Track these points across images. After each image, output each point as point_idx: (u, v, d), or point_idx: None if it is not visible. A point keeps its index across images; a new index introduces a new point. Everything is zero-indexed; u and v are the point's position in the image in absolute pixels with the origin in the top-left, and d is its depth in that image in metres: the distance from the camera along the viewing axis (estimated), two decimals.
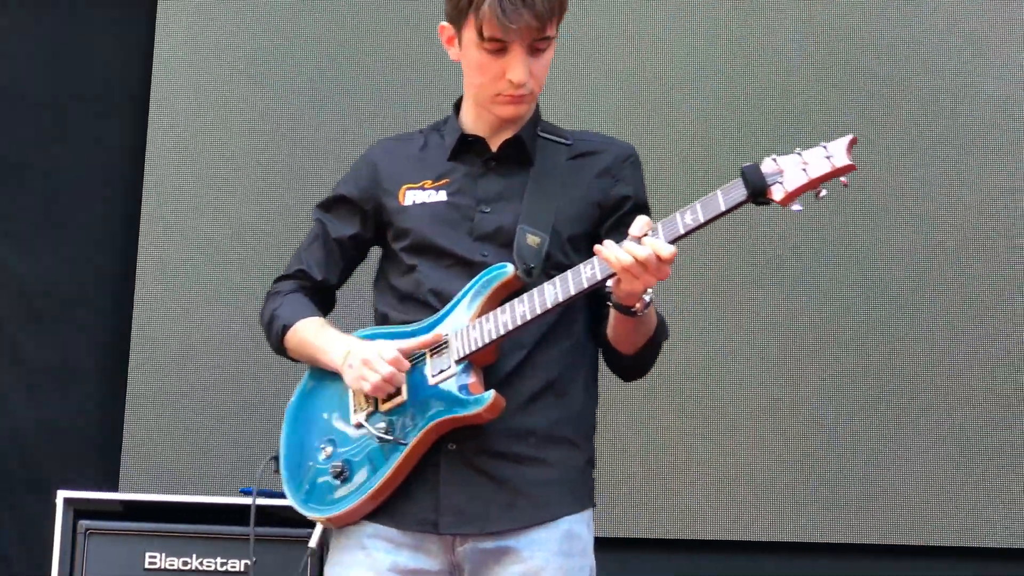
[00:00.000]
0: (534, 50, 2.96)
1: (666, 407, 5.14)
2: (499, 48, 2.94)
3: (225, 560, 4.19)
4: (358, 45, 5.18)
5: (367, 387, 2.91)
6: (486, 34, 2.92)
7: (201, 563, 4.22)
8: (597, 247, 2.81)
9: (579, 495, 3.03)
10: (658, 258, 2.76)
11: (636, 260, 2.75)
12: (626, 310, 2.88)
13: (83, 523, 4.26)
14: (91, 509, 4.29)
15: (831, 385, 5.15)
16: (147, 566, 4.22)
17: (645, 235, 2.78)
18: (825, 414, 5.15)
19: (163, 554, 4.22)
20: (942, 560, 5.15)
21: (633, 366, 3.09)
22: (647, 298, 2.87)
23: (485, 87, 2.99)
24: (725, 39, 5.21)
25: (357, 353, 2.94)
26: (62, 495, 4.32)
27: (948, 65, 5.22)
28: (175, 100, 5.18)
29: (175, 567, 4.22)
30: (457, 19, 2.98)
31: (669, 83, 5.20)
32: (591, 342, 3.08)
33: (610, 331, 2.99)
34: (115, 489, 4.88)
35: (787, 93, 5.19)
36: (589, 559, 3.02)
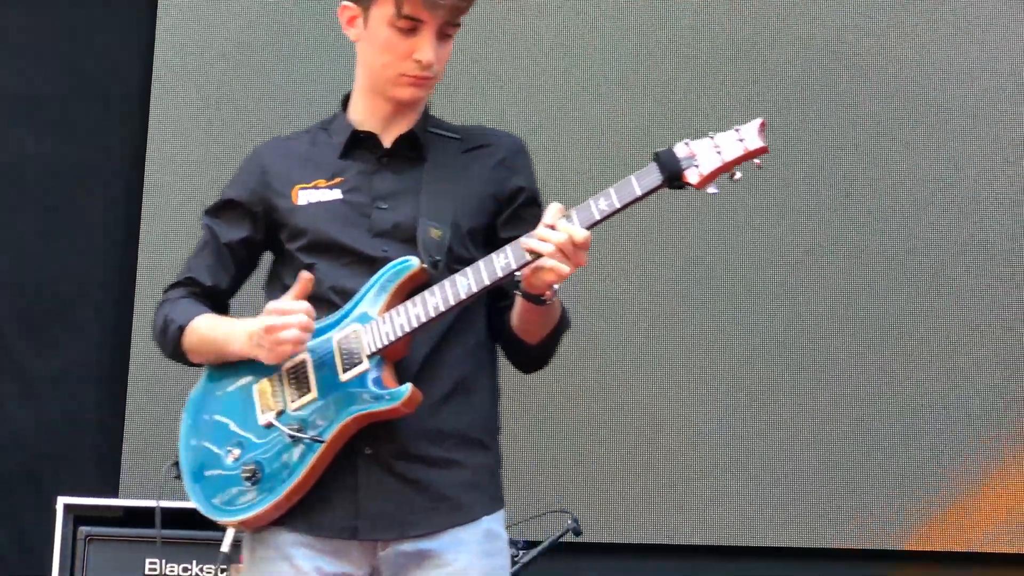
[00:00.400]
0: (443, 35, 2.97)
1: (658, 413, 5.14)
2: (411, 28, 2.94)
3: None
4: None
5: (288, 348, 2.86)
6: (406, 11, 2.92)
7: (201, 569, 4.21)
8: (523, 238, 2.81)
9: (494, 495, 3.00)
10: (573, 243, 2.76)
11: (554, 246, 2.76)
12: (536, 299, 2.87)
13: (83, 529, 4.25)
14: (91, 515, 4.28)
15: (832, 395, 5.16)
16: (147, 572, 4.22)
17: (559, 222, 2.79)
18: (822, 419, 5.15)
19: (163, 560, 4.21)
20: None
21: (537, 357, 3.07)
22: (556, 286, 2.87)
23: (388, 67, 2.96)
24: (731, 37, 5.21)
25: (256, 328, 2.89)
26: (62, 501, 4.32)
27: (958, 62, 5.22)
28: (175, 101, 5.17)
29: (175, 573, 4.22)
30: None
31: (673, 82, 5.20)
32: (491, 340, 3.07)
33: (516, 321, 2.97)
34: (115, 495, 4.87)
35: (793, 89, 5.19)
36: (507, 558, 3.02)
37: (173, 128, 5.16)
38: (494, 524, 2.98)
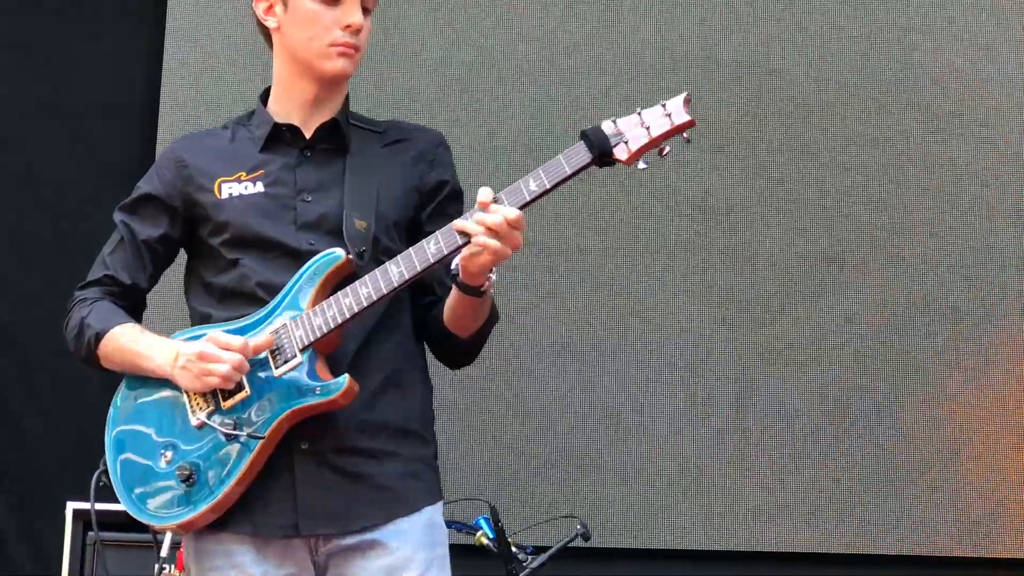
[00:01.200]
0: (364, 9, 2.99)
1: (661, 419, 5.14)
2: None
3: None
4: (372, 46, 5.16)
5: (215, 381, 2.84)
6: None
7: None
8: (455, 221, 2.80)
9: (432, 487, 3.01)
10: (508, 223, 2.76)
11: (489, 227, 2.76)
12: (475, 290, 2.88)
13: (92, 534, 4.24)
14: (100, 520, 4.28)
15: (845, 400, 5.15)
16: None
17: (491, 203, 2.79)
18: (829, 424, 5.15)
19: (172, 565, 4.20)
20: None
21: (467, 351, 3.07)
22: (493, 276, 2.88)
23: (316, 38, 2.96)
24: (717, 44, 5.20)
25: (188, 351, 2.87)
26: (71, 506, 4.32)
27: (944, 68, 5.21)
28: (185, 108, 5.18)
29: None
30: None
31: (661, 85, 5.18)
32: (417, 335, 3.06)
33: (448, 314, 2.97)
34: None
35: (780, 97, 5.18)
36: (447, 549, 3.01)
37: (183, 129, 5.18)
38: (435, 515, 2.98)
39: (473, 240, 2.78)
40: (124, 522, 4.23)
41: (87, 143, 5.24)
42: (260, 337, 2.88)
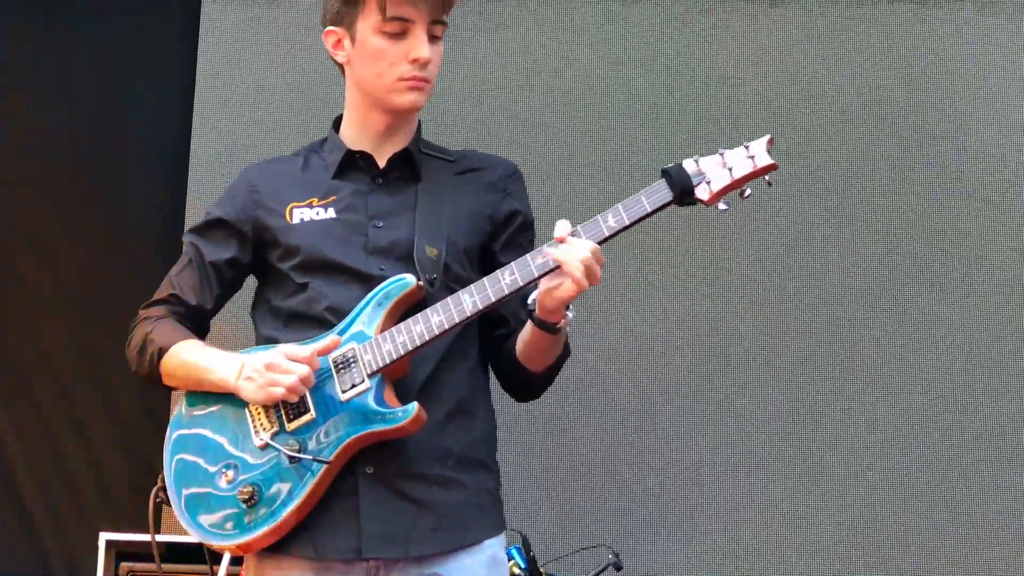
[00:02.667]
0: (432, 37, 2.96)
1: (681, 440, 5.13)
2: (401, 31, 2.93)
3: None
4: None
5: (280, 392, 2.81)
6: (390, 12, 2.91)
7: None
8: (543, 248, 2.78)
9: (496, 518, 2.98)
10: (594, 256, 2.74)
11: (575, 258, 2.74)
12: (551, 327, 2.85)
13: (125, 564, 4.25)
14: (133, 551, 4.28)
15: (877, 429, 5.14)
16: None
17: (568, 237, 2.77)
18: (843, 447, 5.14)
19: None
20: None
21: (539, 385, 3.04)
22: (570, 314, 2.86)
23: (384, 74, 2.95)
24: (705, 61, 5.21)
25: (254, 363, 2.84)
26: (104, 537, 4.33)
27: (939, 82, 5.21)
28: (218, 112, 5.20)
29: None
30: (347, 15, 2.97)
31: (649, 105, 5.21)
32: (484, 365, 3.05)
33: (521, 348, 2.95)
34: (160, 531, 4.88)
35: (769, 114, 5.19)
36: None
37: (216, 142, 5.19)
38: (498, 549, 2.96)
39: (563, 267, 2.76)
40: (160, 553, 4.28)
41: (121, 163, 5.27)
42: (324, 340, 2.86)
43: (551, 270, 2.79)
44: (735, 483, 5.12)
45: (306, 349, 2.84)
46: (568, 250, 2.75)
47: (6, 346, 5.23)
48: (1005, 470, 5.09)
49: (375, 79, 2.97)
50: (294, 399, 2.84)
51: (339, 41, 3.00)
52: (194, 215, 5.15)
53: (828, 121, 5.18)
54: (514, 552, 4.27)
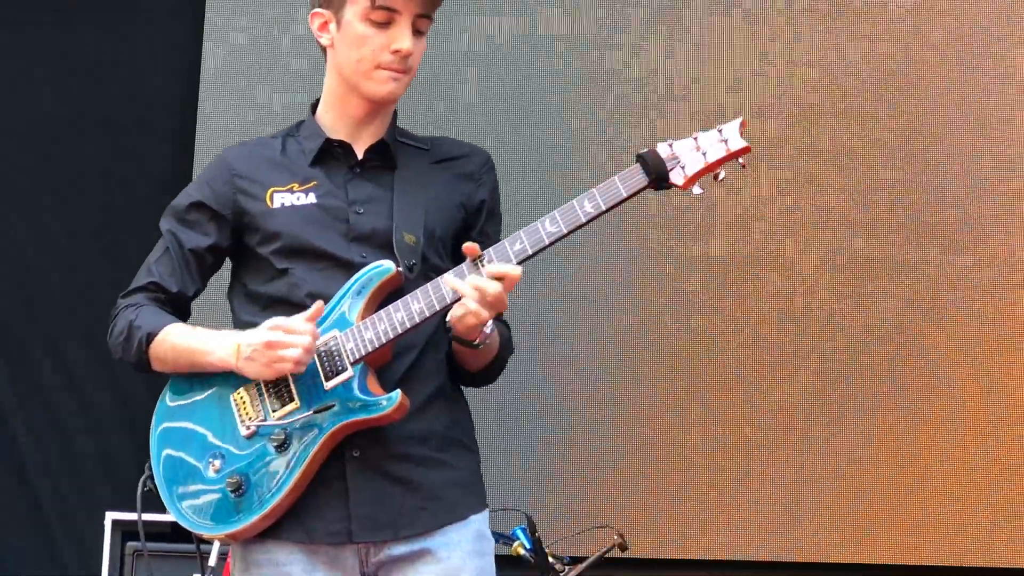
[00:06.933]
0: (416, 31, 2.96)
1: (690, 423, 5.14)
2: (387, 20, 2.93)
3: None
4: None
5: (287, 367, 2.82)
6: (379, 1, 2.92)
7: None
8: (448, 275, 2.81)
9: (479, 496, 3.01)
10: (502, 287, 2.76)
11: (478, 290, 2.76)
12: (470, 344, 2.88)
13: (131, 544, 4.26)
14: (138, 530, 4.29)
15: (888, 413, 5.15)
16: None
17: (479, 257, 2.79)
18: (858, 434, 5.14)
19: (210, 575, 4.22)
20: None
21: (480, 380, 3.06)
22: (487, 329, 2.87)
23: (365, 60, 2.95)
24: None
25: (252, 340, 2.85)
26: (110, 516, 4.33)
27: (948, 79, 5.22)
28: (222, 117, 5.21)
29: None
30: None
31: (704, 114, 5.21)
32: None
33: (454, 353, 2.97)
34: (162, 511, 4.88)
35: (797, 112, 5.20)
36: (493, 559, 3.01)
37: (221, 146, 5.20)
38: (483, 525, 2.99)
39: (463, 299, 2.79)
40: (166, 532, 4.29)
41: (126, 159, 5.28)
42: (311, 309, 2.85)
43: (456, 300, 2.81)
44: (741, 465, 5.14)
45: (299, 319, 2.84)
46: (475, 281, 2.77)
47: (13, 330, 5.25)
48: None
49: (355, 64, 2.96)
50: (302, 370, 2.85)
51: (325, 24, 3.00)
52: None
53: (837, 110, 5.19)
54: (519, 532, 4.28)
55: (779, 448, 5.13)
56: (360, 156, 3.02)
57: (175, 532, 4.25)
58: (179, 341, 2.95)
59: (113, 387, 5.23)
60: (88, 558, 4.96)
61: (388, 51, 2.94)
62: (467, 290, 2.78)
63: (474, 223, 3.05)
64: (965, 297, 5.17)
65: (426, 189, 3.00)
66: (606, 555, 4.37)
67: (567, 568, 4.28)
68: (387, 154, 3.03)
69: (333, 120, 3.04)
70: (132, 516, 4.37)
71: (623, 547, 4.38)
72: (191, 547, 4.12)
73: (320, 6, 3.00)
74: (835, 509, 5.12)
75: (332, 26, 2.99)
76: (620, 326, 5.14)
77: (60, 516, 5.13)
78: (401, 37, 2.94)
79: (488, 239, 2.94)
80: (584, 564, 4.32)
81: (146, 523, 4.32)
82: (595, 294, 5.12)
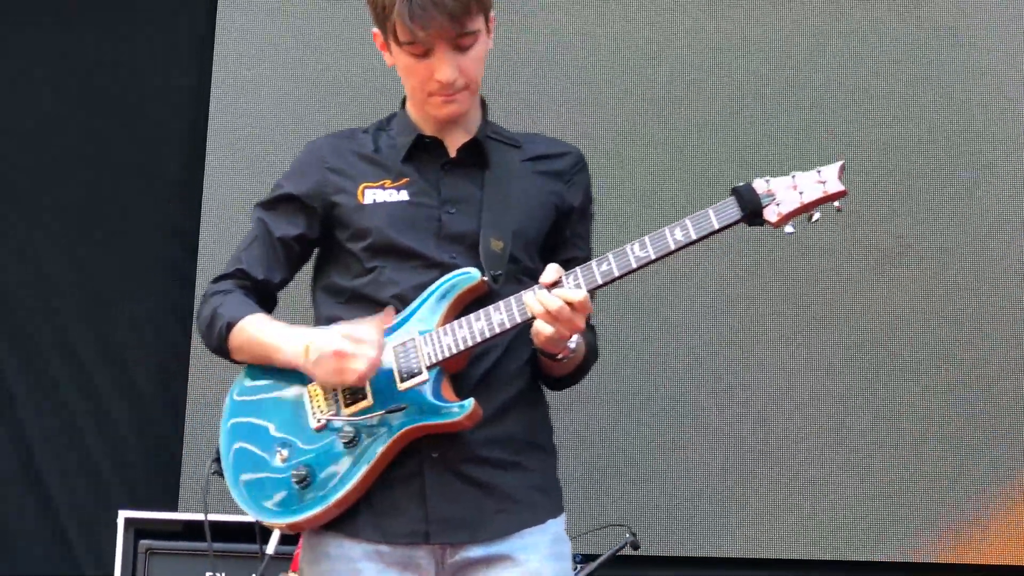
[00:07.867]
0: (459, 47, 2.90)
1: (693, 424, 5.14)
2: (423, 51, 2.89)
3: None
4: None
5: (352, 377, 2.80)
6: (402, 39, 2.88)
7: None
8: (524, 294, 2.80)
9: (556, 499, 2.99)
10: (573, 306, 2.75)
11: (548, 311, 2.75)
12: (552, 356, 2.88)
13: (144, 542, 4.27)
14: (151, 528, 4.30)
15: (900, 409, 5.15)
16: None
17: (557, 283, 2.77)
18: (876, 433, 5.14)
19: (222, 574, 4.22)
20: None
21: (563, 385, 3.06)
22: (572, 344, 2.86)
23: (417, 89, 2.93)
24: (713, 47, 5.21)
25: (322, 347, 2.83)
26: (123, 515, 4.34)
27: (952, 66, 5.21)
28: (235, 110, 5.21)
29: None
30: (382, 25, 2.93)
31: (663, 92, 5.21)
32: None
33: (538, 358, 2.96)
34: (175, 509, 4.90)
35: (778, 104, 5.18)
36: (571, 562, 2.99)
37: (231, 144, 5.20)
38: (560, 528, 2.96)
39: (536, 318, 2.78)
40: (178, 531, 4.30)
41: (137, 160, 5.29)
42: (381, 315, 2.84)
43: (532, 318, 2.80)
44: (754, 464, 5.13)
45: (370, 330, 2.82)
46: (543, 299, 2.76)
47: (26, 329, 5.26)
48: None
49: (411, 91, 2.96)
50: (364, 384, 2.84)
51: (383, 44, 2.97)
52: (210, 201, 5.18)
53: (854, 110, 5.19)
54: None
55: (792, 447, 5.12)
56: (452, 154, 2.98)
57: (187, 530, 4.28)
58: (255, 334, 2.93)
59: (126, 386, 5.23)
60: (101, 557, 4.97)
61: (433, 80, 2.90)
62: (537, 309, 2.77)
63: (564, 223, 3.01)
64: (982, 295, 5.15)
65: (517, 189, 2.97)
66: (618, 553, 4.38)
67: (579, 567, 4.28)
68: (480, 152, 2.99)
69: (422, 119, 3.00)
70: (145, 515, 4.39)
71: (635, 545, 4.38)
72: (203, 545, 4.14)
73: (376, 24, 2.96)
74: (848, 508, 5.11)
75: (390, 49, 2.94)
76: (635, 326, 5.13)
77: (72, 515, 5.14)
78: (440, 67, 2.89)
79: (579, 240, 2.93)
80: (596, 562, 4.32)
81: (157, 521, 4.34)
82: (612, 294, 5.11)
